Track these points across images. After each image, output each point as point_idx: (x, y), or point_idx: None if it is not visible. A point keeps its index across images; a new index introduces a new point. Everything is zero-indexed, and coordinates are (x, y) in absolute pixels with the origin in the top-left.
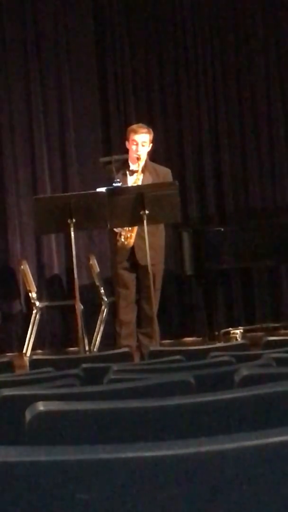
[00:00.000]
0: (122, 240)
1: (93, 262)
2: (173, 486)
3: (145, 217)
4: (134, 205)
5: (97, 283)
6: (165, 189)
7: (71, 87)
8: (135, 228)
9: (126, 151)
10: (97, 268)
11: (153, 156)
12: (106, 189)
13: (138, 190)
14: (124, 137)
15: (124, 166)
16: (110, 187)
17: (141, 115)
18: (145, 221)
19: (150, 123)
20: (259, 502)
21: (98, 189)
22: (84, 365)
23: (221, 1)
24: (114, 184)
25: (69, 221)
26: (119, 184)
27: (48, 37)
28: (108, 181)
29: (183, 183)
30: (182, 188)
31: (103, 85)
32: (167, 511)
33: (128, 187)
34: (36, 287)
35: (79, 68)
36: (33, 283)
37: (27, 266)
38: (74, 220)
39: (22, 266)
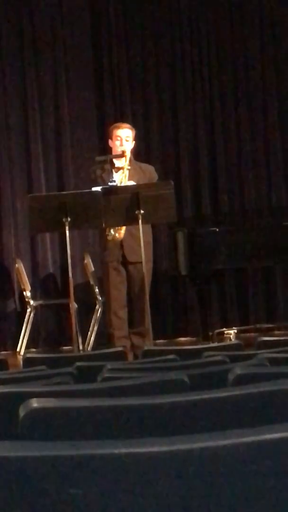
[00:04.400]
0: (112, 233)
1: (88, 261)
2: (166, 482)
3: (140, 216)
4: (130, 205)
5: (92, 282)
6: (161, 189)
7: (67, 86)
8: None
9: (110, 149)
10: (91, 267)
11: (148, 155)
12: (101, 188)
13: (133, 189)
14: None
15: (110, 164)
16: (105, 186)
17: (137, 115)
18: (140, 221)
19: (146, 123)
20: (253, 498)
21: (94, 188)
22: (78, 364)
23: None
24: (109, 184)
25: (64, 220)
26: (114, 184)
27: (45, 36)
28: (94, 180)
29: (178, 183)
30: (177, 188)
31: (99, 84)
32: (160, 507)
33: (123, 187)
34: (31, 285)
35: (75, 67)
36: (28, 281)
37: (22, 264)
38: (69, 219)
39: (16, 265)
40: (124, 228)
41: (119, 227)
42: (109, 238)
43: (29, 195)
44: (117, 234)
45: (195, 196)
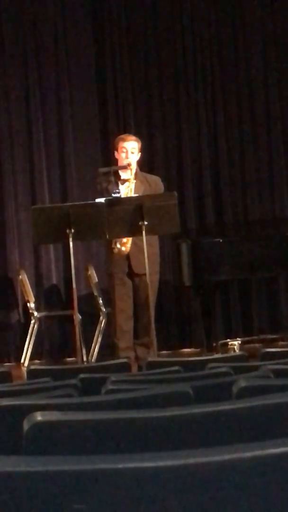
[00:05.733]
0: (118, 246)
1: (91, 272)
2: (171, 496)
3: (144, 227)
4: (133, 216)
5: (95, 293)
6: (164, 200)
7: (71, 97)
8: None
9: (115, 160)
10: (95, 278)
11: (152, 167)
12: (105, 200)
13: (137, 201)
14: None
15: (114, 176)
16: (109, 198)
17: (140, 126)
18: (143, 232)
19: (149, 135)
20: None
21: (97, 200)
22: (82, 376)
23: (221, 11)
24: (113, 195)
25: (67, 231)
26: (118, 195)
27: (48, 48)
28: (100, 192)
29: (181, 194)
30: (181, 199)
31: (103, 95)
32: None
33: (127, 198)
34: (34, 297)
35: (78, 79)
36: (31, 293)
37: (25, 276)
38: (72, 230)
39: (20, 276)
40: (130, 242)
41: (126, 240)
42: (115, 251)
43: (33, 206)
44: (123, 248)
45: (198, 207)
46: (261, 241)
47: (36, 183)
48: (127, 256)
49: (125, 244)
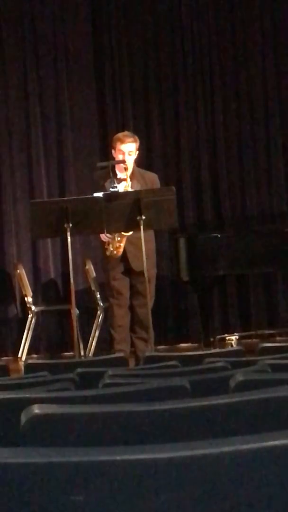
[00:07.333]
0: (111, 249)
1: (89, 266)
2: (168, 488)
3: (141, 222)
4: (131, 210)
5: (93, 288)
6: (162, 195)
7: (69, 91)
8: (124, 238)
9: (113, 158)
10: (93, 273)
11: (150, 162)
12: (103, 194)
13: (135, 195)
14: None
15: (112, 173)
16: (107, 192)
17: (139, 121)
18: (141, 227)
19: (147, 129)
20: (254, 505)
21: (95, 194)
22: (79, 370)
23: (220, 8)
24: (111, 189)
25: (65, 225)
26: (116, 189)
27: (47, 42)
28: (97, 190)
29: (180, 189)
30: (179, 194)
31: (101, 90)
32: None
33: (124, 192)
34: (32, 291)
35: (77, 73)
36: (29, 287)
37: (23, 270)
38: (70, 225)
39: (18, 270)
40: (122, 246)
41: (118, 245)
42: (108, 253)
43: (31, 201)
44: (115, 251)
45: (196, 202)
46: (259, 236)
47: (34, 177)
48: (124, 255)
49: (118, 249)
